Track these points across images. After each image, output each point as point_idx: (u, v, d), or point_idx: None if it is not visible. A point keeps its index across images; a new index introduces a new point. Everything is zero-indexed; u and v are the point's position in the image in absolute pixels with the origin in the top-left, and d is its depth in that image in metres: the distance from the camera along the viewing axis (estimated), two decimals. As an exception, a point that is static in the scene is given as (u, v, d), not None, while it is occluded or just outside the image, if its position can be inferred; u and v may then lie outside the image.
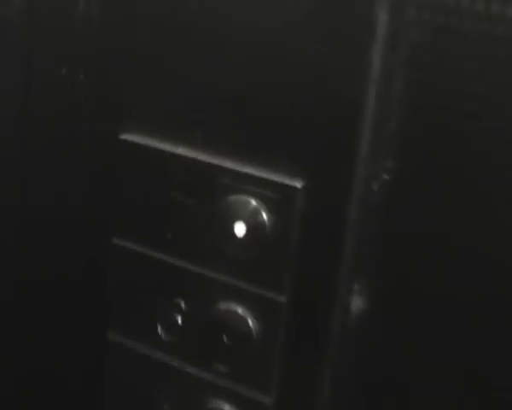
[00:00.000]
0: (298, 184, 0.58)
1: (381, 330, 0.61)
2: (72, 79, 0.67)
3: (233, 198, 0.60)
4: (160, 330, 0.66)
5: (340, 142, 0.57)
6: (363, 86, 0.55)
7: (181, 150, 0.62)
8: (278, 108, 0.58)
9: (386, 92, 0.57)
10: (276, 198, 0.59)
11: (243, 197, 0.60)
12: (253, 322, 0.61)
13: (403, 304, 0.61)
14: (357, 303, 0.61)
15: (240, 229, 0.59)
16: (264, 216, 0.59)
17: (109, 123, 0.66)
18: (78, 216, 0.70)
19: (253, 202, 0.59)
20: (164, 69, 0.63)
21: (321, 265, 0.59)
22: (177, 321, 0.65)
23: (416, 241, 0.60)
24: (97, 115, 0.67)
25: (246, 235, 0.59)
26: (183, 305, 0.64)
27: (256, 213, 0.59)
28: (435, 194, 0.58)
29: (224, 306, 0.62)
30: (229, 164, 0.60)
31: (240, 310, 0.62)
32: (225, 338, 0.62)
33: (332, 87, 0.56)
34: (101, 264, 0.68)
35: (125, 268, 0.66)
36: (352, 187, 0.57)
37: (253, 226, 0.59)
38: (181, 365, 0.65)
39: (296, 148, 0.58)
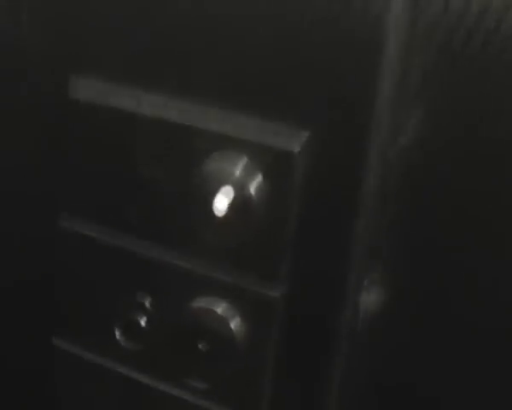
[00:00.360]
0: (295, 148, 0.45)
1: (397, 333, 0.50)
2: (15, 21, 0.54)
3: (211, 166, 0.47)
4: (118, 335, 0.54)
5: (353, 93, 0.44)
6: (383, 31, 0.43)
7: (145, 107, 0.49)
8: (274, 49, 0.45)
9: (410, 37, 0.44)
10: (268, 165, 0.46)
11: (225, 165, 0.47)
12: (237, 324, 0.49)
13: (425, 302, 0.49)
14: (369, 300, 0.49)
15: (220, 205, 0.46)
16: (252, 188, 0.46)
17: (57, 74, 0.53)
18: (17, 191, 0.57)
19: (238, 171, 0.47)
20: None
21: (326, 251, 0.47)
22: (140, 324, 0.52)
23: (443, 219, 0.47)
24: (43, 67, 0.54)
25: (228, 212, 0.47)
26: (147, 303, 0.52)
27: (241, 184, 0.46)
28: (465, 160, 0.46)
29: (199, 304, 0.50)
30: (206, 123, 0.48)
31: (220, 309, 0.49)
32: (202, 345, 0.50)
33: (346, 29, 0.43)
34: (45, 251, 0.55)
35: (74, 257, 0.54)
36: (367, 151, 0.45)
37: (238, 201, 0.47)
38: (145, 379, 0.53)
39: (296, 101, 0.46)
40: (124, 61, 0.50)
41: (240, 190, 0.46)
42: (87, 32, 0.51)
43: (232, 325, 0.48)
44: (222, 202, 0.47)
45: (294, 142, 0.45)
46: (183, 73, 0.48)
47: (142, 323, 0.52)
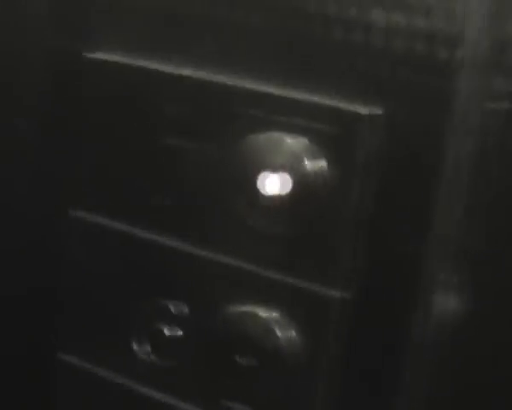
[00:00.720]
0: (363, 110, 0.37)
1: (474, 351, 0.40)
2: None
3: (260, 138, 0.39)
4: (137, 347, 0.44)
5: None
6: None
7: (177, 68, 0.41)
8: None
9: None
10: (330, 134, 0.37)
11: (276, 136, 0.38)
12: (287, 332, 0.39)
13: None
14: (448, 302, 0.40)
15: (271, 185, 0.38)
16: (310, 164, 0.38)
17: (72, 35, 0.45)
18: (23, 177, 0.48)
19: (292, 143, 0.38)
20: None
21: (398, 244, 0.38)
22: (163, 333, 0.43)
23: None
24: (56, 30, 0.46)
25: (280, 195, 0.38)
26: (173, 308, 0.43)
27: (297, 159, 0.38)
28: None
29: (240, 308, 0.41)
30: (253, 85, 0.39)
31: (265, 314, 0.40)
32: (243, 359, 0.40)
33: None
34: (49, 246, 0.47)
35: (85, 252, 0.45)
36: (452, 121, 0.36)
37: (293, 182, 0.38)
38: (172, 401, 0.43)
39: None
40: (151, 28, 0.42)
41: (295, 165, 0.38)
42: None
43: (281, 334, 0.39)
44: (272, 185, 0.38)
45: (362, 106, 0.37)
46: (224, 38, 0.40)
47: (167, 332, 0.43)
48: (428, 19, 0.36)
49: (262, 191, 0.38)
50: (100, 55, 0.43)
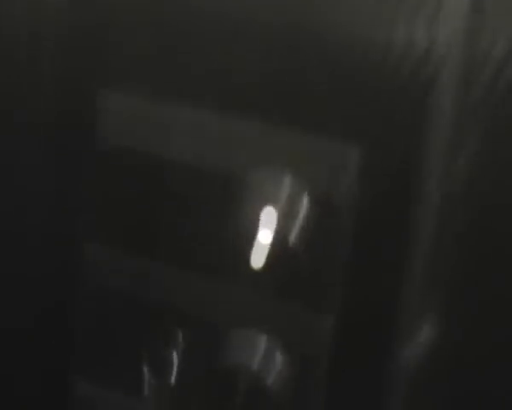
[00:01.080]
0: (353, 151, 0.40)
1: (457, 374, 0.43)
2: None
3: (255, 178, 0.42)
4: (146, 371, 0.47)
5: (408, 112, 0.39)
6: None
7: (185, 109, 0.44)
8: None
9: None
10: (321, 174, 0.40)
11: (269, 183, 0.42)
12: (279, 357, 0.42)
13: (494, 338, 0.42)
14: (426, 333, 0.42)
15: (265, 221, 0.41)
16: (300, 208, 0.41)
17: (79, 83, 0.48)
18: (37, 212, 0.51)
19: (286, 183, 0.41)
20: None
21: (381, 276, 0.41)
22: (172, 362, 0.46)
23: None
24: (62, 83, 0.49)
25: (277, 231, 0.41)
26: (179, 337, 0.46)
27: (290, 197, 0.41)
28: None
29: (239, 333, 0.44)
30: (246, 138, 0.43)
31: (261, 339, 0.43)
32: (239, 383, 0.43)
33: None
34: (62, 273, 0.49)
35: (96, 283, 0.48)
36: (428, 160, 0.39)
37: (283, 222, 0.41)
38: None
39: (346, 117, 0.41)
40: (158, 79, 0.45)
41: (288, 202, 0.41)
42: (111, 48, 0.47)
43: (275, 359, 0.42)
44: (265, 234, 0.41)
45: (351, 147, 0.40)
46: (221, 88, 0.44)
47: (174, 360, 0.46)
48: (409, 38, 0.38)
49: (257, 227, 0.41)
50: (113, 92, 0.46)
